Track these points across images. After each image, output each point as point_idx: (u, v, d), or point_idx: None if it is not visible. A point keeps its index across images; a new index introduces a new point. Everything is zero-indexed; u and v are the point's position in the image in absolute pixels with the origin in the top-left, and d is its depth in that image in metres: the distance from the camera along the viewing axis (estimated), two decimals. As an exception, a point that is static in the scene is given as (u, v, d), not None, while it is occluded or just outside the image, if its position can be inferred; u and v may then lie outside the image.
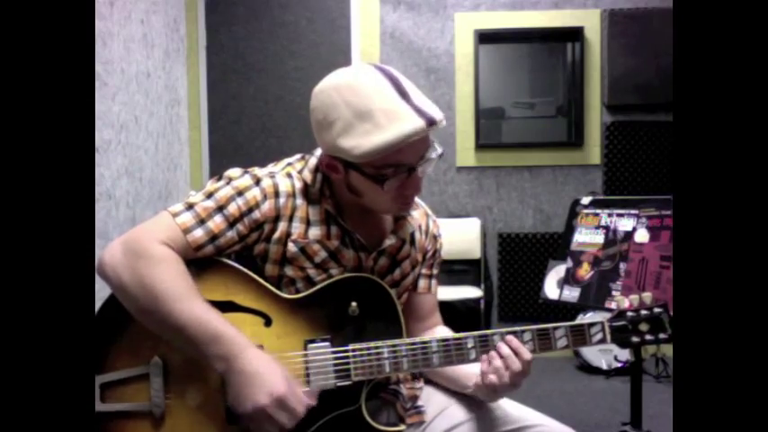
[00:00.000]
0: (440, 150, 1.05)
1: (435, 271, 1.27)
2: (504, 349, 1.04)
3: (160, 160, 3.35)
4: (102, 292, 0.98)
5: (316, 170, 1.12)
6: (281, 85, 3.86)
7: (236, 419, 1.02)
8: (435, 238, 1.26)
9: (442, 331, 1.21)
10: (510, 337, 1.06)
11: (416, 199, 1.22)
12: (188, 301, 0.97)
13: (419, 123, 0.98)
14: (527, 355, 1.04)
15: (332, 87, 1.03)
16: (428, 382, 1.25)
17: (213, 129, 3.88)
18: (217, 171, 1.15)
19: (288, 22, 3.86)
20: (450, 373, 1.17)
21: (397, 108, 0.98)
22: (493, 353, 1.05)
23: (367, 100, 0.98)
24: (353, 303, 1.08)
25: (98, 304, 1.02)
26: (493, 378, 1.03)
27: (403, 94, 1.00)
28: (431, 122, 0.98)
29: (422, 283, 1.25)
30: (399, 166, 1.02)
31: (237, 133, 3.89)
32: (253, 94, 3.88)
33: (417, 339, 1.07)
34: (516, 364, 1.03)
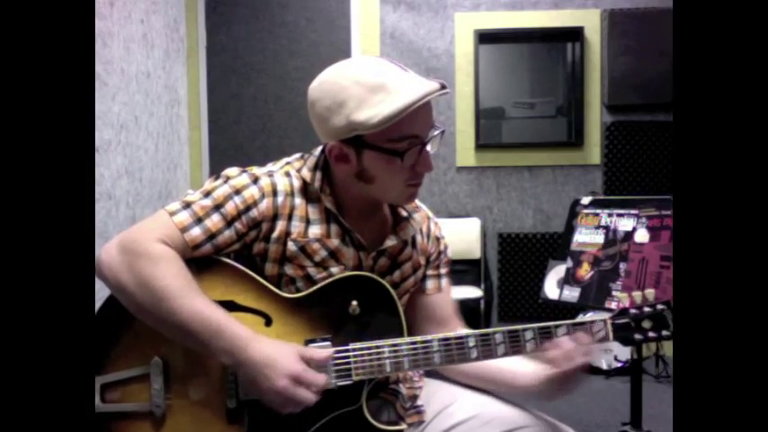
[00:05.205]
0: (441, 128, 1.09)
1: (443, 271, 1.26)
2: (581, 337, 1.05)
3: (160, 160, 3.35)
4: (101, 292, 0.98)
5: (315, 168, 1.12)
6: (281, 85, 3.86)
7: (238, 418, 1.02)
8: (438, 239, 1.26)
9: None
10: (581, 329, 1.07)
11: (417, 201, 1.22)
12: (189, 297, 0.97)
13: (432, 85, 1.02)
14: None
15: (335, 75, 1.05)
16: (429, 375, 1.24)
17: (213, 129, 3.88)
18: (217, 171, 1.15)
19: (288, 22, 3.86)
20: (496, 374, 1.16)
21: (406, 78, 1.03)
22: (569, 337, 1.06)
23: (377, 76, 1.02)
24: (354, 302, 1.08)
25: (98, 305, 1.02)
26: (569, 364, 1.03)
27: (406, 72, 1.05)
28: (442, 86, 1.02)
29: (429, 284, 1.24)
30: (414, 138, 1.04)
31: (237, 133, 3.88)
32: (253, 94, 3.88)
33: (418, 338, 1.07)
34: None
